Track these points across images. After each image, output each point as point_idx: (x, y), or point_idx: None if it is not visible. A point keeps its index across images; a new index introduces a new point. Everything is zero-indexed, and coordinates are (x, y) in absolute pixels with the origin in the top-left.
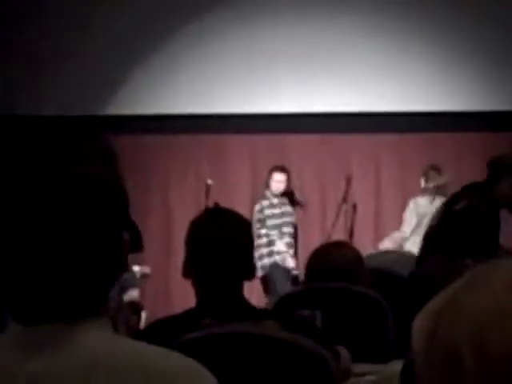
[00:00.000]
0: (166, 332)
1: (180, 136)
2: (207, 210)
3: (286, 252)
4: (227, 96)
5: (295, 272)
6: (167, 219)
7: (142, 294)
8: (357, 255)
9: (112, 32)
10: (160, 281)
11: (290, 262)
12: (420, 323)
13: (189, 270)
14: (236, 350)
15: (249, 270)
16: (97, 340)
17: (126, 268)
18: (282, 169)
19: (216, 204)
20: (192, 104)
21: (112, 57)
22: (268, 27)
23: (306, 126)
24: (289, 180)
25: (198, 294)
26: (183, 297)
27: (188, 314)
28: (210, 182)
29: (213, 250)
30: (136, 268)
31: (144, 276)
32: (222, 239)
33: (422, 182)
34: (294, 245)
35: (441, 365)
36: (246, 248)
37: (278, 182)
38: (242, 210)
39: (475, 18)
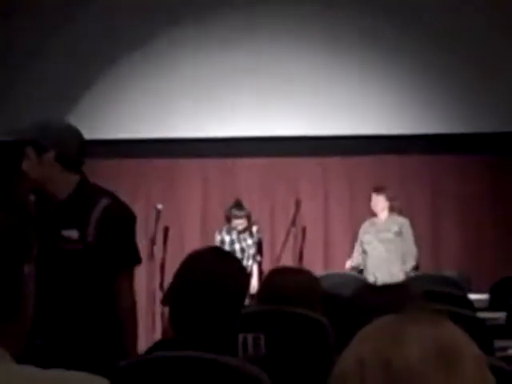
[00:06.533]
0: None
1: (129, 160)
2: (211, 248)
3: None
4: (176, 120)
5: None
6: None
7: None
8: (309, 280)
9: (61, 57)
10: None
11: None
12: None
13: (167, 300)
14: (174, 373)
15: (230, 323)
16: None
17: (27, 301)
18: (240, 206)
19: (166, 229)
20: (141, 128)
21: (60, 82)
22: (215, 52)
23: (254, 150)
24: (249, 215)
25: (171, 325)
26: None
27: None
28: (159, 206)
29: (196, 294)
30: None
31: None
32: (210, 286)
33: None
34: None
35: None
36: (234, 302)
37: (238, 217)
38: (192, 235)
39: (425, 48)
